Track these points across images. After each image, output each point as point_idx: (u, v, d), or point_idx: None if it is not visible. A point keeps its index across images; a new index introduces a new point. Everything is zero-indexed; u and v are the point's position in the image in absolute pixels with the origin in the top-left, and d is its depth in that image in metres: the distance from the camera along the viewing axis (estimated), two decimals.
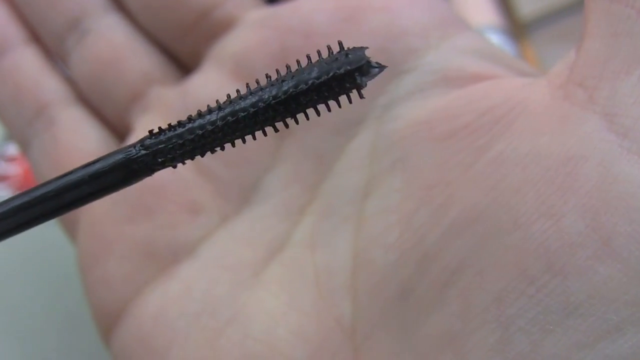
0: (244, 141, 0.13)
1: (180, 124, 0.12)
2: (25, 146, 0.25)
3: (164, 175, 0.20)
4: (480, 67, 0.19)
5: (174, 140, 0.12)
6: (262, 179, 0.21)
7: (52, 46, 0.25)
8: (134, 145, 0.12)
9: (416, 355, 0.16)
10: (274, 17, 0.22)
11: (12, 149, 0.41)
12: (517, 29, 0.39)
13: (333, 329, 0.18)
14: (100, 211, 0.22)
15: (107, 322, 0.22)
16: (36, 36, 0.25)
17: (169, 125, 0.12)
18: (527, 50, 0.38)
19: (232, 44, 0.22)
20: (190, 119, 0.12)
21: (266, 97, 0.12)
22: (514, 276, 0.15)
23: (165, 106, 0.23)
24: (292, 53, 0.21)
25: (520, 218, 0.15)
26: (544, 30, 0.38)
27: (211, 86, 0.22)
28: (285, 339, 0.19)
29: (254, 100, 0.12)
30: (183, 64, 0.24)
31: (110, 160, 0.12)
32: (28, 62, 0.25)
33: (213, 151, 0.13)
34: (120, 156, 0.12)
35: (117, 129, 0.24)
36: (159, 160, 0.12)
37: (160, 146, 0.12)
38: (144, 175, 0.12)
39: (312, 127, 0.20)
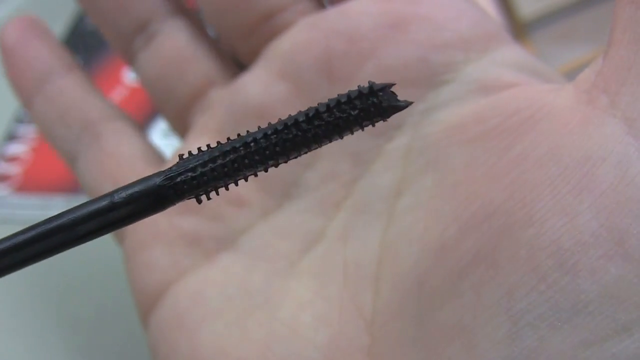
0: (266, 170, 0.13)
1: (200, 151, 0.12)
2: (72, 161, 0.26)
3: None
4: (516, 78, 0.19)
5: (190, 170, 0.12)
6: (302, 175, 0.22)
7: (118, 47, 0.26)
8: (158, 174, 0.12)
9: (427, 344, 0.17)
10: (322, 19, 0.22)
11: (12, 149, 0.41)
12: (517, 29, 0.39)
13: (354, 317, 0.19)
14: None
15: (148, 303, 0.23)
16: (74, 65, 0.27)
17: (189, 152, 0.12)
18: (528, 50, 0.38)
19: (281, 44, 0.23)
20: (209, 147, 0.12)
21: (287, 119, 0.12)
22: (526, 271, 0.15)
23: (220, 105, 0.24)
24: (336, 55, 0.21)
25: (535, 215, 0.15)
26: (544, 30, 0.38)
27: (257, 85, 0.23)
28: (309, 324, 0.20)
29: (275, 125, 0.12)
30: (242, 64, 0.25)
31: (134, 188, 0.12)
32: (71, 86, 0.26)
33: (227, 184, 0.13)
34: (141, 186, 0.12)
35: (177, 128, 0.26)
36: (178, 190, 0.12)
37: (180, 175, 0.12)
38: (168, 204, 0.12)
39: None
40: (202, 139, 0.24)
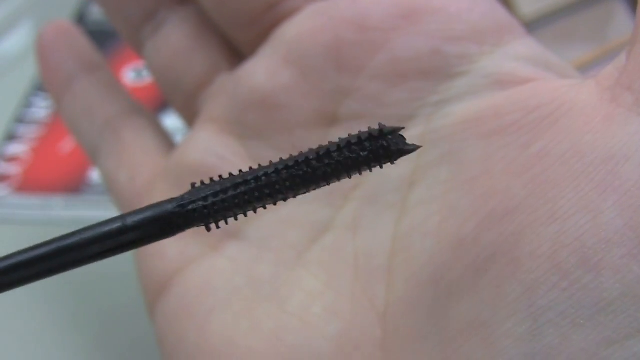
0: (274, 203, 0.13)
1: (212, 182, 0.12)
2: (94, 155, 0.27)
3: (215, 161, 0.23)
4: (531, 72, 0.19)
5: (201, 199, 0.12)
6: None
7: (127, 36, 0.27)
8: (170, 201, 0.12)
9: (443, 340, 0.17)
10: (331, 7, 0.22)
11: (12, 149, 0.41)
12: None
13: (366, 309, 0.19)
14: (162, 194, 0.23)
15: (155, 290, 0.23)
16: (101, 65, 0.28)
17: (202, 182, 0.12)
18: None
19: (287, 30, 0.22)
20: (221, 178, 0.12)
21: (298, 156, 0.12)
22: (548, 268, 0.15)
23: (225, 93, 0.24)
24: (346, 45, 0.21)
25: (557, 211, 0.15)
26: (544, 30, 0.38)
27: (262, 72, 0.23)
28: (319, 316, 0.20)
29: (286, 160, 0.12)
30: (245, 52, 0.25)
31: (146, 214, 0.12)
32: (96, 84, 0.28)
33: (237, 215, 0.13)
34: (153, 212, 0.12)
35: (185, 116, 0.26)
36: (188, 218, 0.12)
37: (192, 203, 0.12)
38: (178, 231, 0.12)
39: (361, 118, 0.21)
40: (208, 127, 0.24)
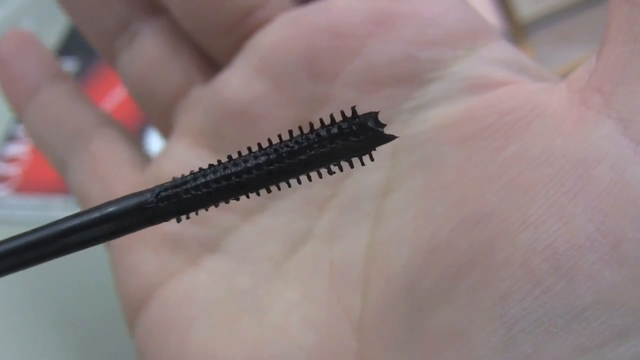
0: (258, 194, 0.13)
1: (191, 173, 0.12)
2: (62, 168, 0.26)
3: None
4: (506, 76, 0.19)
5: (176, 189, 0.12)
6: None
7: (99, 46, 0.26)
8: (147, 192, 0.12)
9: (419, 349, 0.16)
10: (304, 15, 0.22)
11: (12, 150, 0.41)
12: (517, 30, 0.39)
13: (341, 319, 0.19)
14: None
15: (134, 306, 0.23)
16: (66, 76, 0.28)
17: (182, 175, 0.12)
18: (527, 51, 0.38)
19: (261, 40, 0.22)
20: (201, 169, 0.12)
21: (269, 143, 0.12)
22: (520, 276, 0.15)
23: (200, 104, 0.23)
24: (320, 52, 0.21)
25: (529, 218, 0.15)
26: (543, 31, 0.38)
27: (236, 83, 0.22)
28: (296, 327, 0.19)
29: (261, 146, 0.12)
30: (220, 63, 0.24)
31: (122, 204, 0.12)
32: (62, 95, 0.27)
33: (208, 206, 0.13)
34: (128, 202, 0.12)
35: (161, 128, 0.26)
36: (163, 208, 0.12)
37: (166, 192, 0.12)
38: (155, 221, 0.12)
39: None
40: (183, 139, 0.24)
